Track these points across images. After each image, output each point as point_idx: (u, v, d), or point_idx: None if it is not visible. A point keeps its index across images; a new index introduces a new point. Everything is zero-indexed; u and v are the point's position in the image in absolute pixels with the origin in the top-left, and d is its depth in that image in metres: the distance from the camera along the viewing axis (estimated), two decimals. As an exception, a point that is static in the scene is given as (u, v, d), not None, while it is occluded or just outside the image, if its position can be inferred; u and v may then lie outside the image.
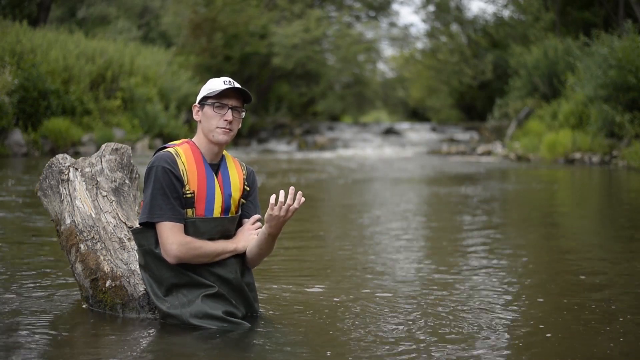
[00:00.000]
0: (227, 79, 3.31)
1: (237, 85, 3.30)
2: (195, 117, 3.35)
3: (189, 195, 3.23)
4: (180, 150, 3.27)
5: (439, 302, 3.91)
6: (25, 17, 23.69)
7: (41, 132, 16.29)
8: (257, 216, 3.40)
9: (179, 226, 3.19)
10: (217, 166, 3.35)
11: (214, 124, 3.27)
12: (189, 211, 3.24)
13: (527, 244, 6.33)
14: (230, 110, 3.28)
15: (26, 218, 7.06)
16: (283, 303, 3.80)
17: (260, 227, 3.35)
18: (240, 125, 3.37)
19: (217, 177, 3.32)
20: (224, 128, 3.26)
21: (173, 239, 3.17)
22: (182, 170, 3.22)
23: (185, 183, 3.22)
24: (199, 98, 3.34)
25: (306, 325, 3.40)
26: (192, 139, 3.37)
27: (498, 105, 26.79)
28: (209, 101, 3.29)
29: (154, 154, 3.28)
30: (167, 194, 3.17)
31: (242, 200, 3.40)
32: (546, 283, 4.54)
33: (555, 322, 3.54)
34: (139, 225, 3.27)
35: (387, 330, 3.32)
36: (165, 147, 3.30)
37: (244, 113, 3.35)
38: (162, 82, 22.44)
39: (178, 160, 3.22)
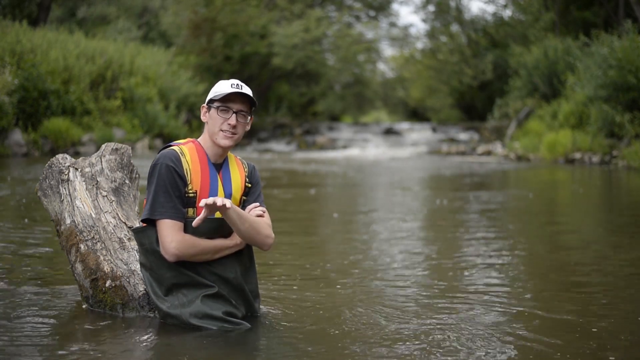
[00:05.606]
0: (236, 81, 3.31)
1: (244, 89, 3.29)
2: (202, 117, 3.36)
3: (191, 195, 3.23)
4: (185, 149, 3.28)
5: (440, 303, 3.91)
6: (25, 17, 23.72)
7: (41, 132, 16.29)
8: (256, 204, 3.37)
9: (179, 224, 3.20)
10: (219, 166, 3.35)
11: (218, 127, 3.27)
12: (190, 210, 3.24)
13: (528, 244, 6.32)
14: (234, 115, 3.27)
15: (26, 218, 7.06)
16: (283, 304, 3.80)
17: (260, 214, 3.31)
18: (247, 128, 3.36)
19: (218, 176, 3.32)
20: (228, 132, 3.27)
21: (172, 237, 3.17)
22: (186, 169, 3.22)
23: (189, 182, 3.23)
24: (207, 99, 3.35)
25: (306, 326, 3.40)
26: (198, 139, 3.37)
27: (498, 105, 26.79)
28: (215, 104, 3.29)
29: (159, 151, 3.29)
30: (169, 191, 3.18)
31: (243, 197, 3.39)
32: (547, 285, 4.54)
33: (557, 326, 3.54)
34: (139, 225, 3.27)
35: (387, 332, 3.32)
36: (171, 146, 3.31)
37: (249, 118, 3.34)
38: (162, 82, 22.44)
39: (182, 159, 3.23)
